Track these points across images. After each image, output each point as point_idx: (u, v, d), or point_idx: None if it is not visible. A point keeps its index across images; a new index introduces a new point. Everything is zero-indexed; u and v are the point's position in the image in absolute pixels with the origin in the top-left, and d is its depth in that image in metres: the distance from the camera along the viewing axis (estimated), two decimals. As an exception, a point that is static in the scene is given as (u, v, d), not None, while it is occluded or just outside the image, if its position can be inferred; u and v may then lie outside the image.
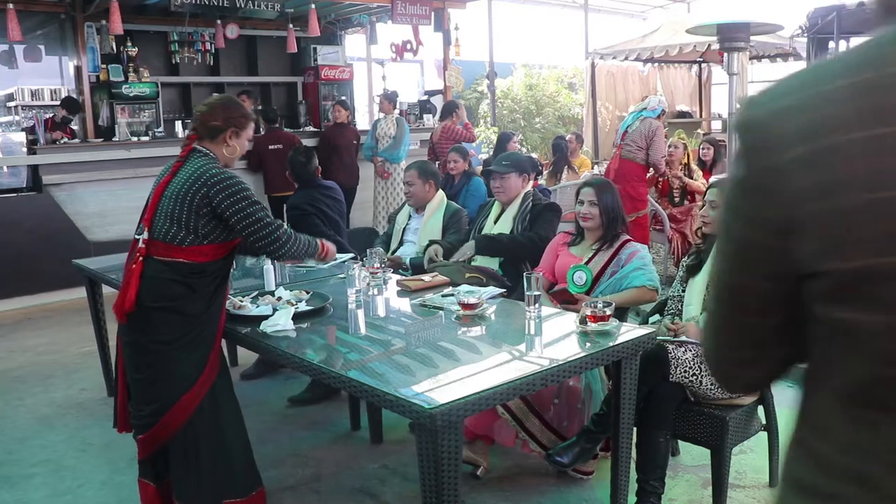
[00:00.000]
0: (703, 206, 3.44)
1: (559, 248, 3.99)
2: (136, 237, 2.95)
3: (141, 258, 2.88)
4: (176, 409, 2.92)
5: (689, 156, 7.74)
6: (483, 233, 4.42)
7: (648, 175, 7.29)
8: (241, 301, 3.32)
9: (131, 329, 2.95)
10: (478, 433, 3.53)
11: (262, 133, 8.83)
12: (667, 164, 7.48)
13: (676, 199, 7.46)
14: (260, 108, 9.60)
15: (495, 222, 4.46)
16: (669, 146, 7.52)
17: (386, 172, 8.97)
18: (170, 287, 2.87)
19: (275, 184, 8.56)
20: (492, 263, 4.29)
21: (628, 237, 3.84)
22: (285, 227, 3.05)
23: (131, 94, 9.05)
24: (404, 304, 3.52)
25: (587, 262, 3.78)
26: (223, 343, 3.13)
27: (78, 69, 8.90)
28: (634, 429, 3.05)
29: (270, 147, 8.59)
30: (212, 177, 2.84)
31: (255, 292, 3.52)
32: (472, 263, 4.27)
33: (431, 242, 4.50)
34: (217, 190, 2.83)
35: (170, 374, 2.91)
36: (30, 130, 8.03)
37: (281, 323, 3.06)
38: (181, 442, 2.96)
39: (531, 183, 4.50)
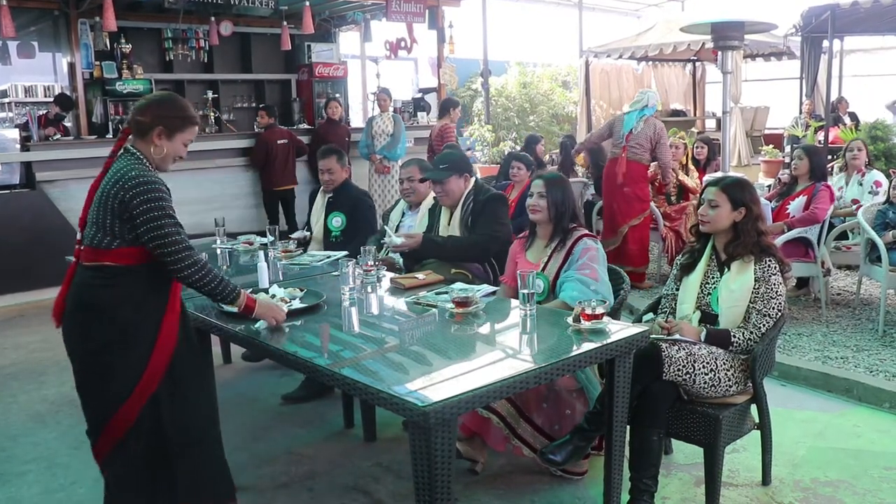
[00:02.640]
0: (702, 204, 3.43)
1: (517, 255, 3.88)
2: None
3: (73, 261, 2.83)
4: (115, 420, 2.78)
5: (687, 156, 7.75)
6: (432, 235, 4.34)
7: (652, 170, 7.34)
8: None
9: (67, 338, 2.86)
10: (473, 430, 3.53)
11: (266, 130, 8.86)
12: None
13: (673, 198, 7.47)
14: (262, 105, 9.63)
15: (448, 225, 4.41)
16: (672, 147, 7.51)
17: (386, 167, 8.98)
18: (98, 293, 2.75)
19: (277, 178, 8.79)
20: None
21: (584, 232, 3.71)
22: (200, 256, 2.84)
23: (125, 91, 9.01)
24: (398, 302, 3.51)
25: (543, 269, 3.68)
26: (217, 342, 3.07)
27: (71, 66, 8.86)
28: (627, 427, 3.05)
29: (279, 142, 8.78)
30: (130, 179, 2.68)
31: (249, 290, 3.50)
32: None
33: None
34: (133, 194, 2.66)
35: (104, 382, 2.77)
36: (23, 127, 8.02)
37: None
38: (120, 456, 2.83)
39: (472, 182, 4.40)
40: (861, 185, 6.63)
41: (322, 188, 5.23)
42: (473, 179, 4.43)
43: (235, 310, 2.99)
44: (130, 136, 2.86)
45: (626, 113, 7.13)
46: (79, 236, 2.82)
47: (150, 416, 2.81)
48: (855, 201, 6.49)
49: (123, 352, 2.76)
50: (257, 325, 3.04)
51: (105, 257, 2.72)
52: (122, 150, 2.83)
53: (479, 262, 4.27)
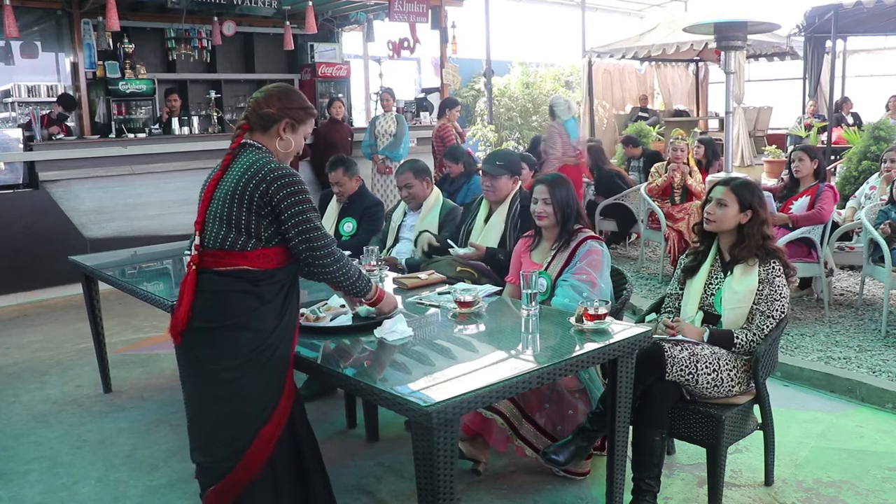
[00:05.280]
0: (709, 202, 3.42)
1: (522, 255, 3.87)
2: (189, 247, 2.66)
3: (194, 268, 2.56)
4: (255, 447, 2.56)
5: (689, 157, 7.75)
6: (496, 250, 4.35)
7: (659, 181, 7.46)
8: (311, 312, 3.11)
9: (194, 356, 2.59)
10: (476, 430, 3.53)
11: None
12: (670, 165, 7.51)
13: (677, 200, 7.47)
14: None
15: (485, 222, 4.44)
16: (676, 150, 7.51)
17: (388, 168, 8.98)
18: (235, 300, 2.53)
19: None
20: None
21: (589, 234, 3.69)
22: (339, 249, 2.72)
23: (128, 91, 9.03)
24: (400, 302, 3.51)
25: (546, 268, 3.67)
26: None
27: (74, 66, 8.87)
28: (630, 427, 3.05)
29: None
30: (271, 172, 2.51)
31: (322, 301, 3.30)
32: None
33: (422, 232, 4.56)
34: (277, 186, 2.50)
35: (246, 404, 2.55)
36: (26, 127, 8.02)
37: (398, 329, 2.90)
38: (260, 487, 2.61)
39: (519, 184, 4.49)
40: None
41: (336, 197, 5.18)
42: (520, 183, 4.51)
43: (369, 300, 2.90)
44: (248, 132, 2.66)
45: (565, 121, 7.97)
46: (196, 240, 2.58)
47: (289, 437, 2.67)
48: None
49: (266, 366, 2.57)
50: (380, 335, 2.90)
51: (241, 261, 2.53)
52: (240, 146, 2.65)
53: None
